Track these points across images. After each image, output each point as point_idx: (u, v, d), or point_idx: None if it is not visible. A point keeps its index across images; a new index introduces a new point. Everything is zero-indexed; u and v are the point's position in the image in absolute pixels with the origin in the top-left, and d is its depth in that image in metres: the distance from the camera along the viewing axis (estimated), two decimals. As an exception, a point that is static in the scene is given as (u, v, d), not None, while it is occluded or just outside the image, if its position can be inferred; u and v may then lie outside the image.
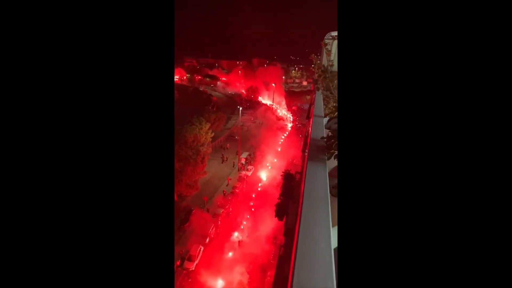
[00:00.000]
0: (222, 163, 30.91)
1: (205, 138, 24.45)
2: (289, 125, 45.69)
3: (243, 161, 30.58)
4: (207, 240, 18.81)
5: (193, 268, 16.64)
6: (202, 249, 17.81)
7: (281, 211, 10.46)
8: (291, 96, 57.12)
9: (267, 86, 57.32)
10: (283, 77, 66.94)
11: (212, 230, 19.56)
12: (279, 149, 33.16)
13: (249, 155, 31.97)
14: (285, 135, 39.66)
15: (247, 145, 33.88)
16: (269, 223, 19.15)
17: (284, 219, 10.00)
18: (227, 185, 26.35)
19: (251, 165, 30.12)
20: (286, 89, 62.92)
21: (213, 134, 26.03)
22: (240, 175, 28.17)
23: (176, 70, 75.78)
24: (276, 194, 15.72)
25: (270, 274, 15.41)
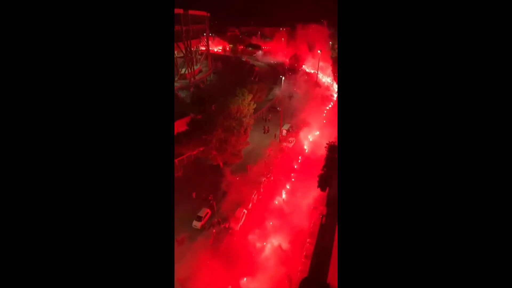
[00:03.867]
0: (264, 134, 31.41)
1: (248, 109, 24.84)
2: (335, 95, 42.95)
3: (284, 132, 30.51)
4: (250, 205, 20.17)
5: (238, 229, 18.35)
6: (245, 212, 19.28)
7: (324, 182, 10.47)
8: (339, 64, 52.62)
9: (312, 53, 53.61)
10: (331, 42, 61.32)
11: (254, 196, 20.79)
12: (324, 121, 31.92)
13: (291, 126, 31.64)
14: (330, 106, 37.66)
15: (289, 116, 33.37)
16: (309, 194, 19.41)
17: (327, 190, 10.03)
18: (268, 156, 26.99)
19: (292, 136, 29.93)
20: (334, 56, 58.02)
21: (255, 106, 26.21)
22: (281, 146, 28.40)
23: (219, 41, 75.61)
24: (316, 167, 15.51)
25: (310, 241, 16.04)
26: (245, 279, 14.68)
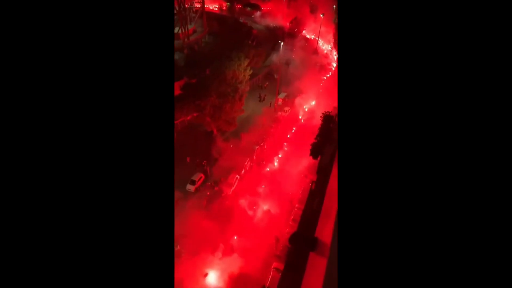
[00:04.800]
0: (259, 102, 30.93)
1: (244, 75, 24.02)
2: (334, 64, 41.68)
3: (280, 101, 30.10)
4: (243, 171, 20.72)
5: (230, 193, 19.11)
6: (238, 178, 19.90)
7: (316, 151, 10.69)
8: (341, 30, 49.99)
9: (314, 16, 50.37)
10: (334, 6, 57.39)
11: (247, 163, 21.26)
12: (320, 91, 31.43)
13: (287, 95, 31.13)
14: (328, 75, 36.77)
15: (286, 84, 32.62)
16: (300, 162, 19.97)
17: (319, 158, 10.29)
18: (263, 124, 26.95)
19: (288, 106, 29.64)
20: (337, 22, 54.78)
21: (251, 72, 25.31)
22: (276, 115, 28.24)
23: (215, -1, 69.68)
24: (310, 136, 15.68)
25: (299, 207, 16.96)
26: (235, 237, 15.73)
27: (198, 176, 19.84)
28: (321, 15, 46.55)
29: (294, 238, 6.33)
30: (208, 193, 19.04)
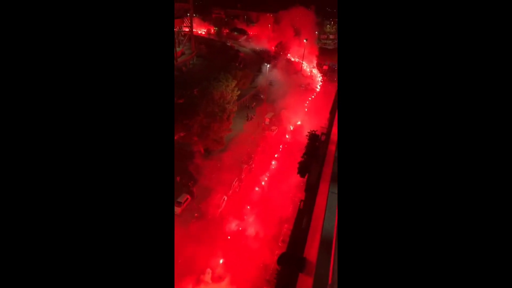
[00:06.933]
0: (247, 121, 31.27)
1: (231, 96, 24.42)
2: (318, 85, 43.49)
3: (267, 121, 30.59)
4: (230, 191, 20.31)
5: (218, 214, 18.51)
6: (226, 199, 19.42)
7: (303, 169, 10.75)
8: (324, 54, 53.00)
9: (298, 40, 53.29)
10: (316, 32, 61.12)
11: (235, 183, 20.92)
12: (306, 110, 32.37)
13: (274, 115, 31.75)
14: (313, 96, 38.15)
15: (273, 105, 33.40)
16: (289, 181, 19.91)
17: (306, 177, 10.33)
18: (250, 143, 27.05)
19: (275, 125, 30.14)
20: (319, 46, 58.09)
21: (239, 92, 25.82)
22: (264, 134, 28.54)
23: (204, 24, 72.50)
24: (297, 155, 15.80)
25: (288, 227, 16.62)
26: (221, 261, 15.02)
27: (184, 198, 19.20)
28: (305, 40, 49.28)
29: (282, 260, 6.13)
30: (196, 214, 18.35)
